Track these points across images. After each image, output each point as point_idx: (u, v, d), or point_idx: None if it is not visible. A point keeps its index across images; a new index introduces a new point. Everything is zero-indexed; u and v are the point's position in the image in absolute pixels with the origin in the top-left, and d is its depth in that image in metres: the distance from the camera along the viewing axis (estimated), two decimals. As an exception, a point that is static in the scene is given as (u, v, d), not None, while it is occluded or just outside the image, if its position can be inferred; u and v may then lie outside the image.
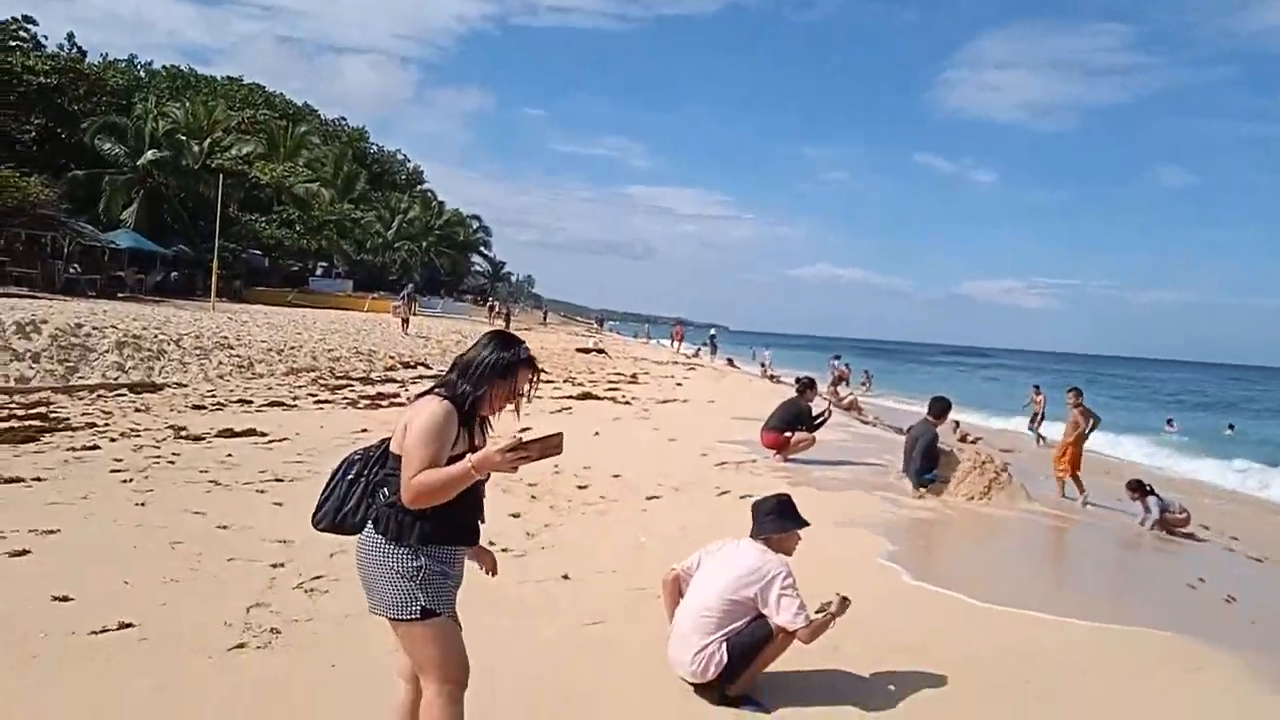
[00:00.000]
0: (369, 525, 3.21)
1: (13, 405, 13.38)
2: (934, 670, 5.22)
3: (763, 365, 43.73)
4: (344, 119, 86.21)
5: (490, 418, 3.36)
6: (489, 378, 3.23)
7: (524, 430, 3.08)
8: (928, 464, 10.86)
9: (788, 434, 12.26)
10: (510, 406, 3.32)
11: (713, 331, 59.99)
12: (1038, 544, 9.67)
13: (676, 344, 54.84)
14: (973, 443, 19.05)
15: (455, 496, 3.11)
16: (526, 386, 3.33)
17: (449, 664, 3.22)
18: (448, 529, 3.20)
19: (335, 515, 3.29)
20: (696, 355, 48.89)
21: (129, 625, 5.13)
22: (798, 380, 13.97)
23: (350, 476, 3.31)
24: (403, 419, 3.22)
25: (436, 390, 3.25)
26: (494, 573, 3.64)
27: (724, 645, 4.61)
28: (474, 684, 4.49)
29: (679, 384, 25.60)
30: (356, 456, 3.35)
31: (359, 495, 3.27)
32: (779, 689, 4.80)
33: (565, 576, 6.57)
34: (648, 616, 5.79)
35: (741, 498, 9.57)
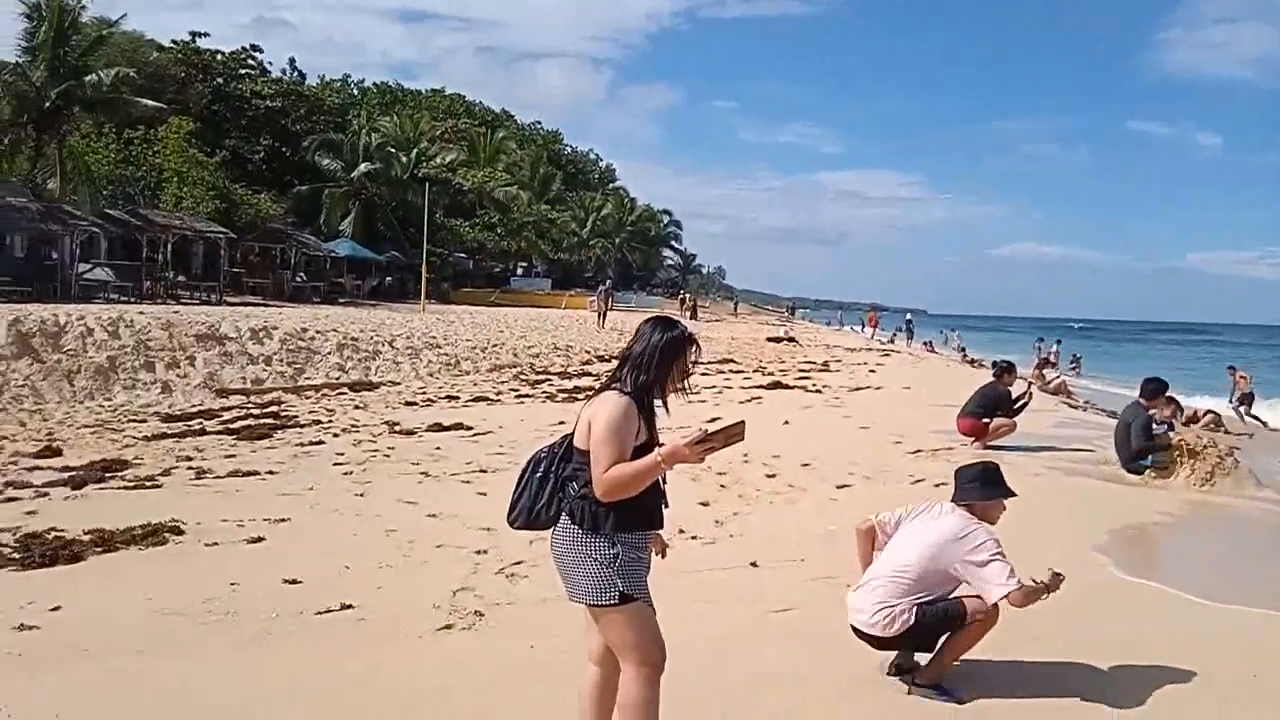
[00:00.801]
0: (564, 518, 3.37)
1: (250, 405, 14.69)
2: (1145, 663, 4.96)
3: (961, 350, 42.25)
4: (539, 123, 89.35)
5: (661, 404, 3.46)
6: (664, 361, 3.36)
7: (712, 421, 3.20)
8: (1141, 449, 10.25)
9: (985, 420, 11.83)
10: (678, 389, 3.44)
11: (908, 316, 58.36)
12: (1267, 535, 8.93)
13: (871, 330, 53.69)
14: (1204, 419, 17.73)
15: (647, 485, 3.26)
16: (692, 363, 3.45)
17: (647, 647, 3.34)
18: (639, 515, 3.33)
19: (529, 513, 3.45)
20: (892, 341, 47.68)
21: (349, 606, 5.58)
22: (995, 364, 13.43)
23: (539, 474, 3.46)
24: (584, 414, 3.36)
25: (614, 386, 3.38)
26: (663, 554, 3.71)
27: (914, 609, 4.51)
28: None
29: (872, 371, 25.11)
30: (542, 454, 3.51)
31: (549, 491, 3.43)
32: (972, 679, 4.69)
33: (753, 564, 6.63)
34: (837, 605, 5.74)
35: (936, 486, 9.33)
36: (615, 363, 3.50)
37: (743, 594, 6.06)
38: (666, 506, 3.49)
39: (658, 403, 3.44)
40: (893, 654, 4.79)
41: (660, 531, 3.59)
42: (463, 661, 4.83)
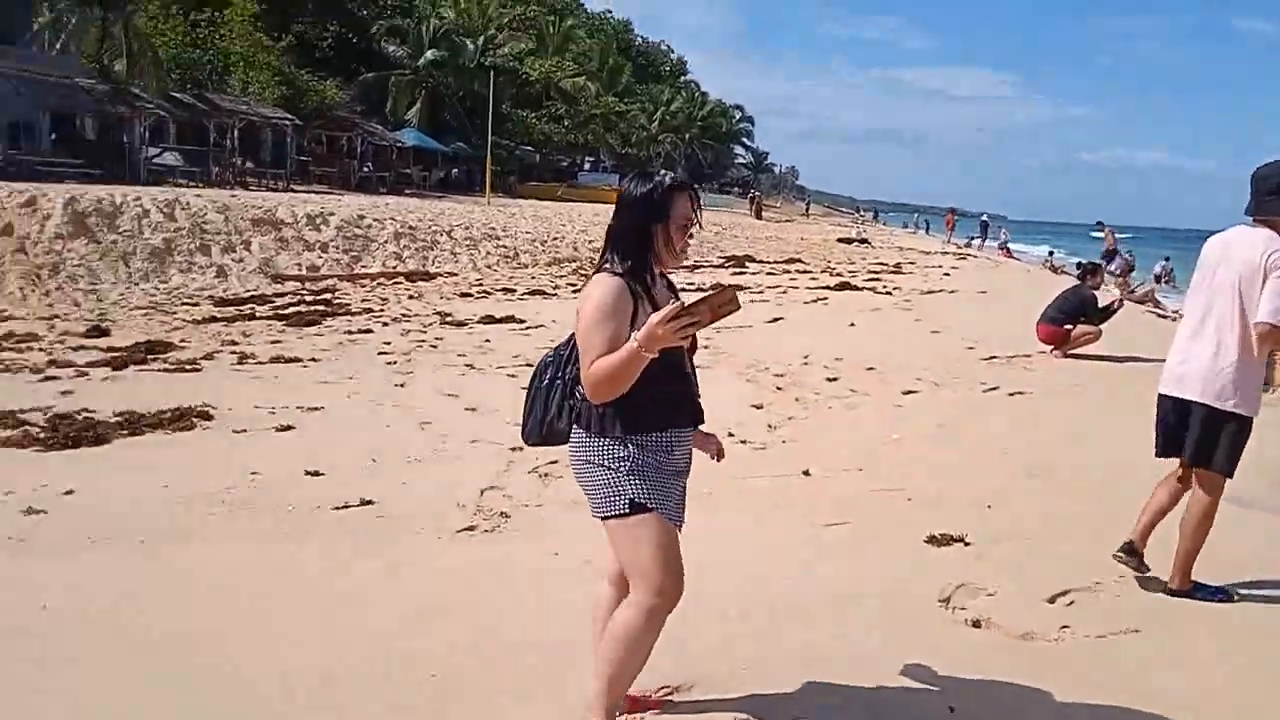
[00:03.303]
0: (575, 425, 2.86)
1: (304, 292, 14.48)
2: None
3: (1004, 246, 41.58)
4: (610, 11, 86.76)
5: (668, 277, 2.92)
6: (646, 219, 2.78)
7: (720, 286, 2.65)
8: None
9: (1068, 326, 11.03)
10: (678, 254, 2.83)
11: (984, 217, 56.11)
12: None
13: (948, 233, 51.93)
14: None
15: (655, 374, 2.67)
16: (694, 215, 2.82)
17: (656, 573, 2.76)
18: (653, 411, 2.78)
19: (542, 427, 2.93)
20: (968, 245, 46.05)
21: (369, 502, 5.25)
22: (1079, 265, 12.52)
23: (545, 383, 2.94)
24: (577, 305, 2.83)
25: (604, 267, 2.81)
26: (719, 457, 3.17)
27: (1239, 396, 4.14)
28: (694, 580, 4.17)
29: (947, 274, 24.09)
30: (549, 359, 2.99)
31: (559, 399, 2.91)
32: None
33: (806, 473, 6.13)
34: (896, 519, 5.29)
35: (1010, 395, 8.73)
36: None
37: (793, 505, 5.57)
38: (696, 396, 2.92)
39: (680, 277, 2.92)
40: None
41: (709, 430, 3.05)
42: (481, 566, 4.45)
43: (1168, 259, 35.18)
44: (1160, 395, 4.47)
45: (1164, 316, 19.46)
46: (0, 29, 33.53)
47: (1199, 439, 4.29)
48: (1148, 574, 4.49)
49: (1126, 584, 4.53)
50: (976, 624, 4.12)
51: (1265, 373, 4.57)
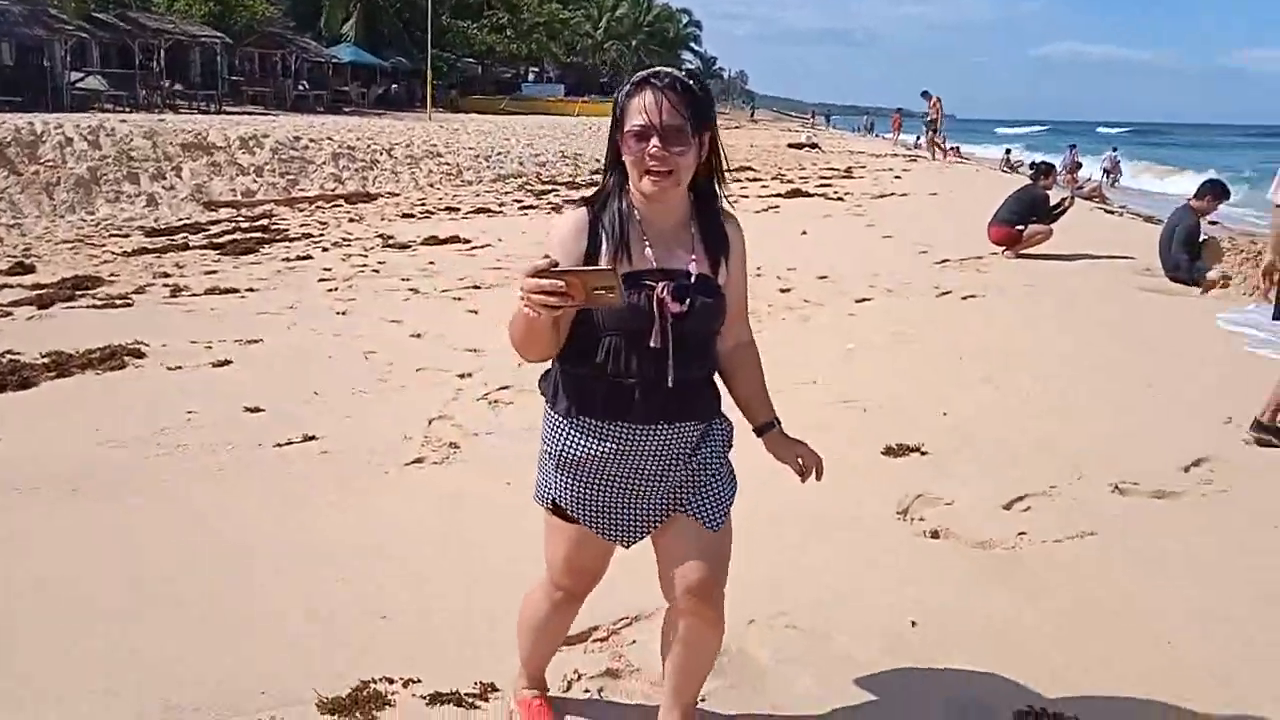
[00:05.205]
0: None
1: (239, 218, 14.00)
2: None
3: (954, 148, 40.48)
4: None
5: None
6: (611, 131, 2.17)
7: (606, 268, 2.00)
8: (1186, 255, 9.47)
9: (1019, 227, 10.99)
10: (656, 176, 2.08)
11: (930, 116, 55.44)
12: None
13: (894, 134, 51.49)
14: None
15: (598, 343, 2.14)
16: (652, 118, 2.05)
17: (557, 571, 2.47)
18: (598, 394, 2.19)
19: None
20: (916, 144, 45.71)
21: (313, 438, 5.06)
22: (1033, 165, 12.44)
23: None
24: None
25: None
26: (807, 476, 2.54)
27: None
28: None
29: (898, 177, 23.93)
30: None
31: None
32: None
33: (762, 388, 6.03)
34: (852, 431, 5.24)
35: (964, 298, 8.69)
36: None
37: (745, 422, 5.46)
38: (668, 382, 2.15)
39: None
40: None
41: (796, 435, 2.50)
42: (431, 499, 4.32)
43: (1115, 149, 35.24)
44: None
45: (1111, 212, 19.55)
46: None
47: None
48: None
49: (1082, 487, 4.52)
50: (935, 534, 4.10)
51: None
